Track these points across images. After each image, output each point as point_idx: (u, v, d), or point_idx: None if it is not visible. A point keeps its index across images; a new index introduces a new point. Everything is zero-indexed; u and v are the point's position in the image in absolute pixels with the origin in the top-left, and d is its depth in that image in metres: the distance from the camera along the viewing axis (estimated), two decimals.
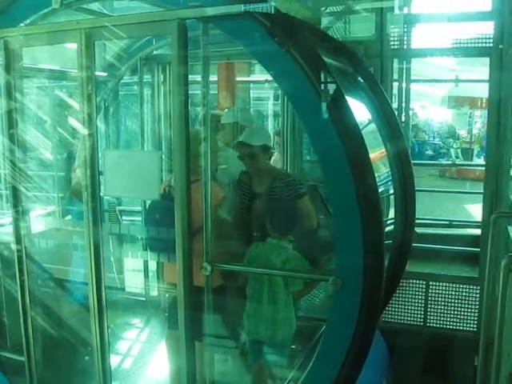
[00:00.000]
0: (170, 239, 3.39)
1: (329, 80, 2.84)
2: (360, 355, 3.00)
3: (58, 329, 4.52)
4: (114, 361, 4.35)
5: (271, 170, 4.57)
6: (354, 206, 2.76)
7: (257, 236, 4.24)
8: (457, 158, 19.60)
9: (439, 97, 21.64)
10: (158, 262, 5.05)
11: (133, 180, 3.42)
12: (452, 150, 20.41)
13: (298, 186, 4.43)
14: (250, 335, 4.20)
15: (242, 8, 2.77)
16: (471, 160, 19.03)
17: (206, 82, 3.20)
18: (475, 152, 19.86)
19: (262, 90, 12.39)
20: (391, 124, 4.56)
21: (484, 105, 17.84)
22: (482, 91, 15.37)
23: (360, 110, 4.57)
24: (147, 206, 4.65)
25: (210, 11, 2.89)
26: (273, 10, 2.80)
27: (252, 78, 9.75)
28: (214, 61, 6.21)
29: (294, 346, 4.29)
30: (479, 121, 21.71)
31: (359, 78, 4.48)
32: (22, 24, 3.83)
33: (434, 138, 23.04)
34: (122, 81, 6.33)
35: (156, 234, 4.06)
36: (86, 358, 4.29)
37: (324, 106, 2.74)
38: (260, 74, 9.59)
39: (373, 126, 4.83)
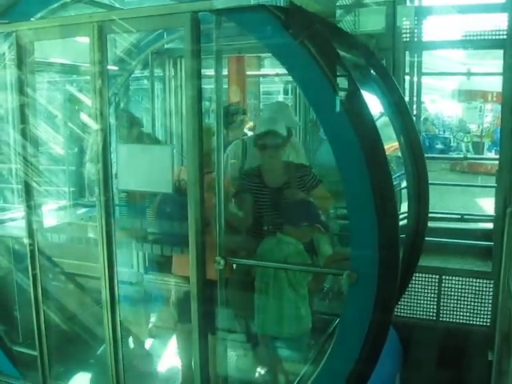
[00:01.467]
0: (179, 233, 3.38)
1: (343, 73, 2.82)
2: (375, 349, 2.98)
3: (70, 323, 4.53)
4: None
5: (287, 163, 4.56)
6: (369, 199, 2.74)
7: (269, 230, 4.23)
8: (468, 151, 19.45)
9: (449, 90, 21.50)
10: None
11: (146, 174, 3.41)
12: (463, 144, 20.28)
13: (314, 173, 4.47)
14: (259, 329, 4.19)
15: (255, 0, 2.75)
16: (482, 154, 18.89)
17: (218, 76, 3.18)
18: (486, 146, 19.72)
19: (272, 83, 12.38)
20: (404, 117, 4.52)
21: (495, 98, 17.73)
22: (493, 85, 15.26)
23: (372, 103, 4.52)
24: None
25: (224, 4, 2.87)
26: (287, 3, 2.78)
27: (262, 71, 9.73)
28: (225, 54, 6.18)
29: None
30: (490, 114, 21.57)
31: (372, 71, 4.44)
32: (32, 18, 3.83)
33: (444, 131, 22.90)
34: (132, 75, 6.31)
35: (165, 228, 4.07)
36: (99, 351, 4.30)
37: (339, 99, 2.72)
38: (270, 68, 9.58)
39: (382, 119, 4.78)
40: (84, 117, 4.34)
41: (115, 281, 3.60)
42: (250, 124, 7.08)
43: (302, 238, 4.02)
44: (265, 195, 4.34)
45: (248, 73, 8.73)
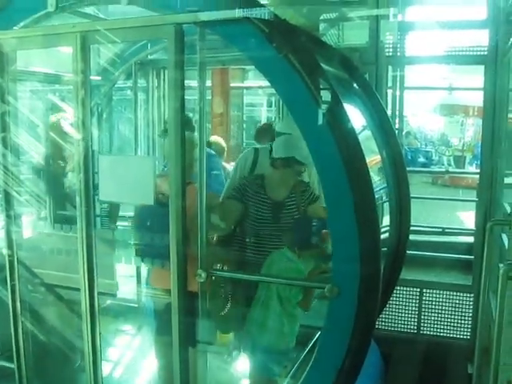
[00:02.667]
0: (160, 245, 3.36)
1: (326, 86, 2.83)
2: (356, 364, 2.98)
3: (49, 335, 4.46)
4: (105, 367, 4.30)
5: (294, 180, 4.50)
6: (350, 213, 2.74)
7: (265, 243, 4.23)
8: (449, 165, 19.63)
9: (431, 105, 21.72)
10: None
11: (127, 185, 3.38)
12: (444, 158, 20.47)
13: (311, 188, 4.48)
14: (244, 341, 4.18)
15: (240, 13, 2.75)
16: (463, 168, 19.07)
17: (202, 88, 3.18)
18: (467, 160, 19.92)
19: (255, 96, 12.44)
20: (386, 131, 4.55)
21: (476, 113, 17.94)
22: (474, 99, 15.42)
23: (355, 117, 4.55)
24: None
25: (208, 16, 2.87)
26: (271, 16, 2.79)
27: (246, 83, 9.78)
28: (209, 66, 6.20)
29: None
30: (471, 129, 21.81)
31: (355, 85, 4.47)
32: (15, 27, 3.80)
33: (426, 145, 23.12)
34: (115, 85, 6.30)
35: (146, 240, 4.05)
36: (78, 364, 4.25)
37: (321, 112, 2.73)
38: (254, 80, 9.62)
39: (364, 133, 4.81)
40: (66, 126, 4.30)
41: (95, 292, 3.56)
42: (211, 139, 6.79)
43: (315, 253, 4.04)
44: (265, 207, 4.30)
45: (232, 85, 8.76)
